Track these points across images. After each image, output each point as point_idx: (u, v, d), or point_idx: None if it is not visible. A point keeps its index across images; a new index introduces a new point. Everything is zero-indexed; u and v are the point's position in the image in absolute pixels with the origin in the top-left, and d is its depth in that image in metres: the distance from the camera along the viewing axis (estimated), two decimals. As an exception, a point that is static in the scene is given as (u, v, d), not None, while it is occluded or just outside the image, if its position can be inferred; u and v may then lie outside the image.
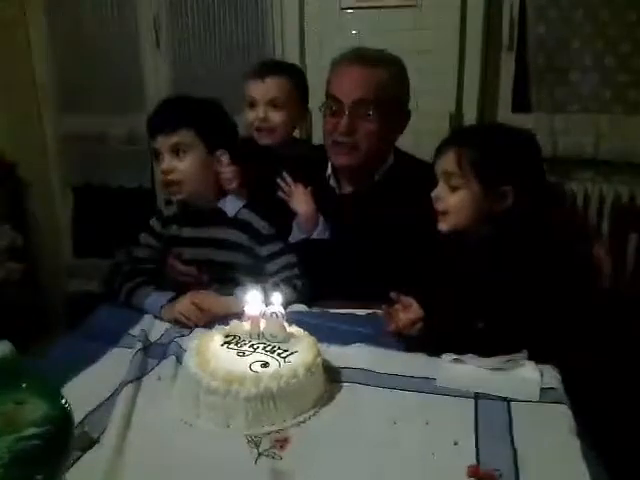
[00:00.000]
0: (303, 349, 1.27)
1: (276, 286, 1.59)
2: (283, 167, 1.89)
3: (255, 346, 1.28)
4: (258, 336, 1.31)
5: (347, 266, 1.71)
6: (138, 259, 1.79)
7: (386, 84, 1.74)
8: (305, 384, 1.19)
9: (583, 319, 1.40)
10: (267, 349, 1.27)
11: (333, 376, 1.31)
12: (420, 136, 1.97)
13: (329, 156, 1.86)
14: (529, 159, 1.44)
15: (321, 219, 1.81)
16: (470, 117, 2.90)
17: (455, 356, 1.36)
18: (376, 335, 1.49)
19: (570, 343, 1.38)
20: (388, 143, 1.85)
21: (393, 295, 1.50)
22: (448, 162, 1.44)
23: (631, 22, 2.73)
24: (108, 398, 1.24)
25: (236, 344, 1.29)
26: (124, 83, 3.37)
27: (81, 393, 1.20)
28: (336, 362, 1.35)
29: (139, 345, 1.44)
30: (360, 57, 1.78)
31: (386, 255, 1.68)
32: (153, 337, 1.52)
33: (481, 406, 1.23)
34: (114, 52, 3.32)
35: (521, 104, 2.96)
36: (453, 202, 1.44)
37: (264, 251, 1.73)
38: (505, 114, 2.98)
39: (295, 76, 2.07)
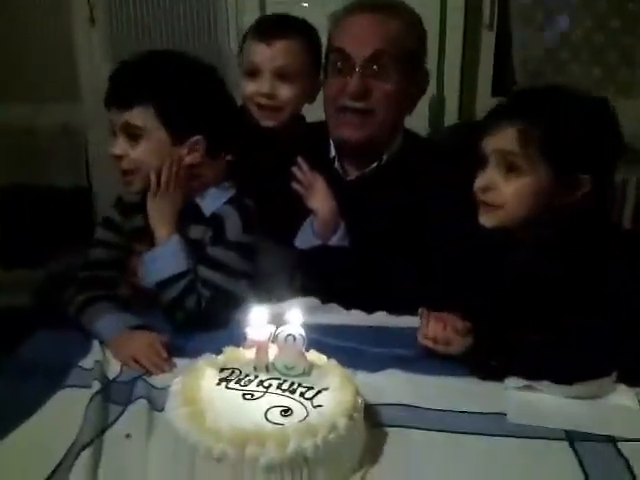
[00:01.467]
0: (335, 385, 0.91)
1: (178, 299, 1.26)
2: (279, 150, 1.51)
3: (266, 383, 0.91)
4: (267, 368, 0.94)
5: (366, 271, 1.38)
6: (94, 263, 1.38)
7: (403, 35, 1.42)
8: (347, 438, 0.83)
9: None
10: (284, 387, 0.90)
11: (372, 418, 0.96)
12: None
13: (333, 131, 1.50)
14: (609, 137, 1.12)
15: (342, 224, 1.43)
16: (452, 102, 2.66)
17: (525, 382, 1.04)
18: (411, 356, 1.15)
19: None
20: (404, 111, 1.51)
21: (421, 311, 1.18)
22: (506, 139, 1.10)
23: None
24: (54, 472, 0.85)
25: (238, 382, 0.91)
26: (55, 67, 2.89)
27: (12, 464, 0.83)
28: (369, 397, 0.99)
29: (96, 385, 1.04)
30: (372, 4, 1.45)
31: (410, 255, 1.35)
32: (112, 372, 1.13)
33: (582, 451, 0.90)
34: (42, 31, 2.84)
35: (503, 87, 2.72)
36: (511, 191, 1.11)
37: (209, 252, 1.32)
38: (484, 98, 2.73)
39: (308, 36, 1.59)
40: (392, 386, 1.06)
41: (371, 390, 1.00)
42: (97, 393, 1.02)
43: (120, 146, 1.28)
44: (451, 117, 2.66)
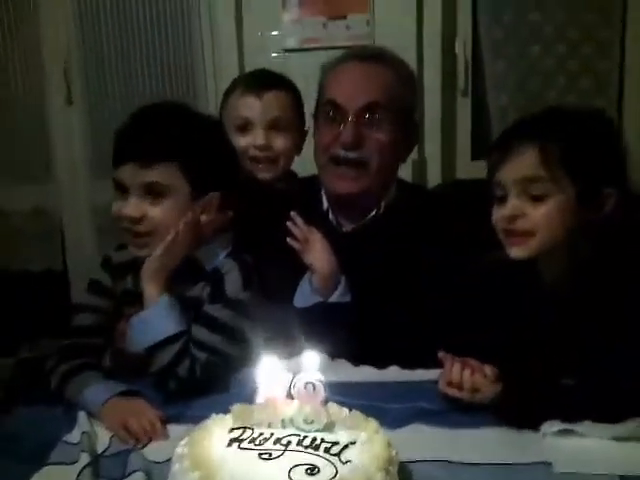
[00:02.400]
0: (363, 438, 0.80)
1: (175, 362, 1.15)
2: (274, 205, 1.44)
3: (284, 441, 0.80)
4: (283, 424, 0.83)
5: (372, 325, 1.28)
6: (78, 330, 1.25)
7: (398, 87, 1.40)
8: (385, 495, 0.72)
9: None
10: (305, 443, 0.79)
11: (404, 477, 0.85)
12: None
13: (327, 184, 1.44)
14: (617, 146, 1.09)
15: (342, 279, 1.34)
16: (434, 165, 2.66)
17: (562, 425, 0.94)
18: (435, 409, 1.05)
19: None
20: (398, 161, 1.47)
21: (442, 355, 1.09)
22: (526, 165, 1.05)
23: (587, 54, 2.60)
24: None
25: (252, 441, 0.80)
26: (28, 148, 2.84)
27: None
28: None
29: (84, 459, 0.91)
30: (364, 55, 1.43)
31: (416, 305, 1.27)
32: (101, 445, 0.99)
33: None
34: (15, 110, 2.80)
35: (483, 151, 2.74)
36: (540, 216, 1.04)
37: (207, 311, 1.21)
38: (464, 162, 2.75)
39: (291, 89, 1.60)
40: (420, 442, 0.96)
41: (400, 447, 0.87)
42: (86, 467, 0.89)
43: (137, 207, 1.17)
44: (434, 181, 2.65)
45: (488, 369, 1.04)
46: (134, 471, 0.89)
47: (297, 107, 1.59)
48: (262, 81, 1.56)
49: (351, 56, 1.45)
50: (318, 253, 1.34)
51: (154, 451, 0.96)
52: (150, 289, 1.19)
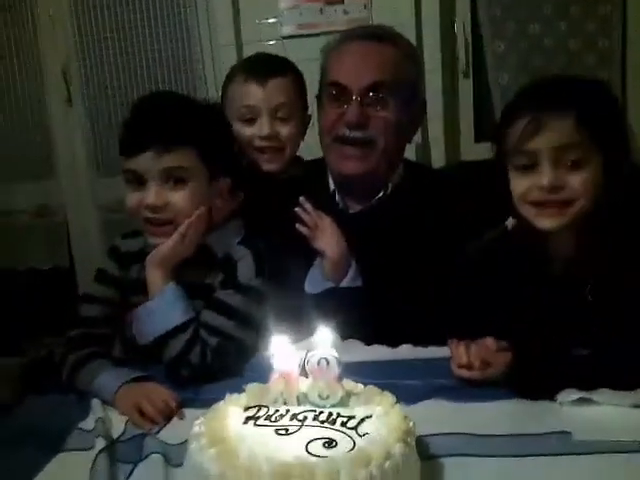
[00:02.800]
0: (379, 411, 0.80)
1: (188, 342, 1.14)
2: (280, 192, 1.43)
3: (300, 416, 0.79)
4: (298, 401, 0.83)
5: (383, 307, 1.28)
6: (88, 320, 1.24)
7: (401, 64, 1.38)
8: (404, 466, 0.71)
9: None
10: (321, 418, 0.79)
11: (423, 450, 0.84)
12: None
13: (333, 166, 1.43)
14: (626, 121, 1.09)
15: (353, 263, 1.33)
16: (438, 148, 2.64)
17: (579, 394, 0.93)
18: (451, 385, 1.04)
19: None
20: (404, 140, 1.46)
21: (451, 342, 1.09)
22: (560, 133, 1.02)
23: (590, 32, 2.58)
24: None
25: (268, 418, 0.80)
26: (30, 147, 2.83)
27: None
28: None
29: (100, 443, 0.90)
30: (365, 35, 1.41)
31: (425, 287, 1.26)
32: (116, 431, 0.99)
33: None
34: (16, 110, 2.80)
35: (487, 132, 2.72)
36: (580, 184, 1.02)
37: (218, 296, 1.20)
38: (468, 145, 2.73)
39: (294, 72, 1.53)
40: (437, 416, 0.95)
41: (416, 423, 0.86)
42: (102, 451, 0.88)
43: (159, 194, 1.16)
44: (438, 164, 2.63)
45: (489, 341, 1.03)
46: (151, 453, 0.89)
47: (300, 91, 1.53)
48: (264, 67, 1.49)
49: (352, 36, 1.43)
50: (328, 238, 1.33)
51: (170, 434, 0.96)
52: (155, 277, 1.18)
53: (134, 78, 2.68)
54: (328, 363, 0.81)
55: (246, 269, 1.21)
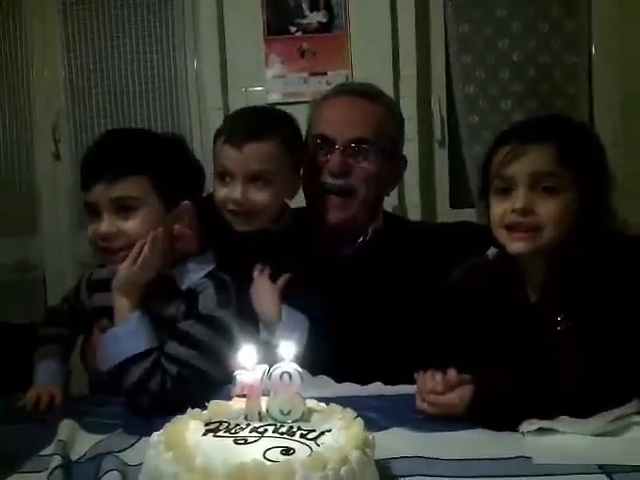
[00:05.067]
0: (339, 426, 0.80)
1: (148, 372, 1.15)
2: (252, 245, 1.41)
3: (260, 429, 0.79)
4: (260, 417, 0.83)
5: (357, 349, 1.30)
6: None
7: (384, 121, 1.45)
8: (361, 475, 0.71)
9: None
10: (281, 431, 0.79)
11: (383, 472, 0.83)
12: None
13: (315, 213, 1.47)
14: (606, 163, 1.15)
15: (284, 322, 1.31)
16: (415, 212, 2.72)
17: (540, 424, 0.94)
18: (417, 418, 1.04)
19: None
20: (383, 192, 1.52)
21: (417, 376, 1.10)
22: (542, 160, 1.08)
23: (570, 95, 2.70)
24: None
25: (228, 430, 0.80)
26: (14, 202, 2.87)
27: None
28: (377, 454, 0.85)
29: (56, 461, 0.89)
30: (354, 91, 1.49)
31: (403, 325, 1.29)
32: (76, 453, 0.97)
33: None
34: (4, 165, 2.85)
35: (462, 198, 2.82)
36: (550, 211, 1.06)
37: (180, 327, 1.21)
38: (443, 210, 2.82)
39: (287, 134, 1.42)
40: (401, 443, 0.95)
41: (378, 447, 0.85)
42: (57, 468, 0.87)
43: (110, 223, 1.19)
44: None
45: (450, 372, 1.05)
46: (108, 471, 0.87)
47: (291, 152, 1.42)
48: (243, 131, 1.38)
49: (341, 91, 1.51)
50: (263, 299, 1.34)
51: (129, 455, 0.95)
52: (121, 304, 1.20)
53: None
54: (290, 377, 0.82)
55: (207, 300, 1.23)
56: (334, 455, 0.70)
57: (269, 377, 0.83)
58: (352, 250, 1.47)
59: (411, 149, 2.63)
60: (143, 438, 1.02)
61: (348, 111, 1.45)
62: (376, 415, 1.06)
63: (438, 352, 1.18)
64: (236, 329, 1.23)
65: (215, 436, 0.78)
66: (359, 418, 0.82)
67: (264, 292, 1.33)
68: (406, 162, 1.59)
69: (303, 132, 1.52)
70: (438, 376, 1.05)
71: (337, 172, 1.40)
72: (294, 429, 0.79)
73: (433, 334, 1.23)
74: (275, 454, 0.72)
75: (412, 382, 1.15)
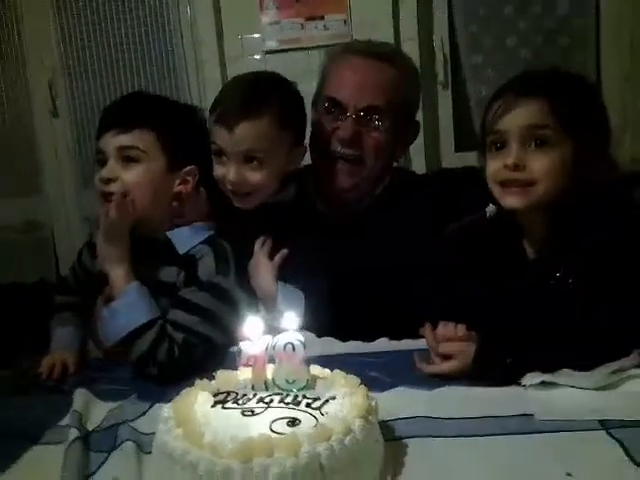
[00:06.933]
0: (343, 393, 0.82)
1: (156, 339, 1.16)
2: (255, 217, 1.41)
3: (267, 399, 0.82)
4: (266, 386, 0.85)
5: (356, 307, 1.30)
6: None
7: (399, 86, 1.40)
8: (364, 443, 0.73)
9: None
10: (287, 400, 0.81)
11: (387, 433, 0.86)
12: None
13: (318, 176, 1.45)
14: (604, 109, 1.13)
15: (279, 299, 1.32)
16: (419, 160, 2.69)
17: (542, 377, 0.96)
18: (420, 375, 1.07)
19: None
20: (393, 159, 1.49)
21: (422, 331, 1.12)
22: (533, 113, 1.06)
23: (564, 46, 2.64)
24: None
25: (235, 402, 0.82)
26: (16, 162, 2.86)
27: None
28: (382, 414, 0.87)
29: (73, 433, 0.92)
30: (370, 52, 1.41)
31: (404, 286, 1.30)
32: (92, 423, 1.01)
33: (622, 437, 0.82)
34: (2, 125, 2.83)
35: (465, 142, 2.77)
36: (542, 166, 1.05)
37: (181, 294, 1.22)
38: (448, 154, 2.78)
39: (283, 108, 1.34)
40: (405, 402, 0.97)
41: (383, 408, 0.88)
42: (75, 440, 0.90)
43: (111, 169, 1.22)
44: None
45: (459, 327, 1.06)
46: (123, 441, 0.90)
47: (289, 127, 1.36)
48: (237, 110, 1.31)
49: (354, 51, 1.43)
50: (261, 275, 1.35)
51: (143, 424, 0.98)
52: (116, 276, 1.21)
53: (119, 90, 2.72)
54: (294, 348, 0.84)
55: (206, 267, 1.24)
56: (338, 426, 0.72)
57: (273, 348, 0.85)
58: (358, 209, 1.46)
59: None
60: (156, 404, 1.05)
61: (363, 76, 1.39)
62: (380, 374, 1.09)
63: (442, 305, 1.19)
64: (237, 294, 1.25)
65: (224, 408, 0.80)
66: (362, 385, 0.84)
67: (261, 269, 1.34)
68: (419, 127, 1.54)
69: (308, 87, 1.46)
70: (450, 325, 1.07)
71: (348, 141, 1.38)
72: (299, 398, 0.81)
73: (435, 288, 1.24)
74: (281, 426, 0.74)
75: (417, 337, 1.17)
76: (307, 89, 1.48)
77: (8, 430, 1.00)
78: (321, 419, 0.76)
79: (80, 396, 1.08)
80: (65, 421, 1.01)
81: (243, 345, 0.87)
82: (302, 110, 1.41)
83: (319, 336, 1.23)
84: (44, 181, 2.91)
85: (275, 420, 0.76)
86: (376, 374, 1.08)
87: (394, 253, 1.37)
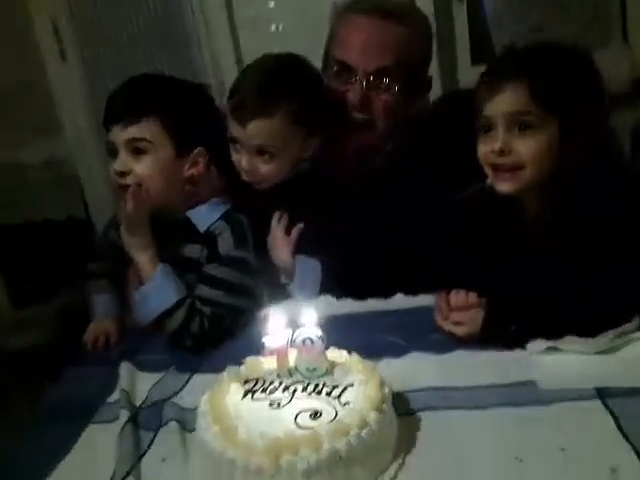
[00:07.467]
0: (359, 380, 0.91)
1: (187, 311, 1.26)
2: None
3: (291, 388, 0.91)
4: (289, 373, 0.94)
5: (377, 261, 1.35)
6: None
7: (410, 43, 1.37)
8: (379, 432, 0.83)
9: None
10: (309, 389, 0.90)
11: (400, 406, 0.96)
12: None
13: (332, 140, 1.44)
14: (599, 85, 1.11)
15: (297, 272, 1.37)
16: (434, 71, 2.62)
17: (547, 343, 1.04)
18: (433, 337, 1.15)
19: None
20: (404, 117, 1.47)
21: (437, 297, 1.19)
22: (515, 99, 1.07)
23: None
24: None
25: (263, 391, 0.92)
26: (32, 103, 2.88)
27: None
28: (396, 384, 0.98)
29: (124, 415, 1.04)
30: (377, 9, 1.37)
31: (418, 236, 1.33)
32: (138, 398, 1.12)
33: (614, 407, 0.90)
34: (15, 68, 2.82)
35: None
36: (528, 150, 1.07)
37: (205, 270, 1.30)
38: (464, 67, 2.71)
39: (301, 100, 1.33)
40: (419, 371, 1.06)
41: (397, 377, 1.00)
42: (127, 422, 1.02)
43: (123, 162, 1.27)
44: (435, 90, 2.63)
45: (471, 295, 1.13)
46: (169, 420, 1.02)
47: (303, 117, 1.34)
48: (250, 105, 1.31)
49: (359, 10, 1.39)
50: (278, 250, 1.39)
51: (185, 396, 1.09)
52: (142, 262, 1.29)
53: (129, 26, 2.69)
54: (312, 342, 0.92)
55: (225, 242, 1.31)
56: (354, 420, 0.82)
57: (293, 341, 0.93)
58: (370, 168, 1.48)
59: (426, 6, 2.50)
60: (195, 375, 1.17)
61: (370, 37, 1.36)
62: (395, 337, 1.18)
63: (452, 267, 1.25)
64: (257, 264, 1.34)
65: (253, 399, 0.90)
66: (377, 373, 0.92)
67: (278, 244, 1.39)
68: (431, 81, 1.52)
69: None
70: (462, 293, 1.14)
71: (358, 106, 1.38)
72: (320, 386, 0.90)
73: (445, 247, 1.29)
74: (305, 419, 0.84)
75: (432, 291, 1.24)
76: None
77: (64, 407, 1.12)
78: (340, 411, 0.85)
79: (126, 370, 1.19)
80: (114, 396, 1.13)
81: (266, 340, 0.95)
82: (320, 99, 1.38)
83: (338, 298, 1.32)
84: (62, 120, 2.93)
85: (299, 413, 0.85)
86: (392, 338, 1.17)
87: (408, 205, 1.39)
